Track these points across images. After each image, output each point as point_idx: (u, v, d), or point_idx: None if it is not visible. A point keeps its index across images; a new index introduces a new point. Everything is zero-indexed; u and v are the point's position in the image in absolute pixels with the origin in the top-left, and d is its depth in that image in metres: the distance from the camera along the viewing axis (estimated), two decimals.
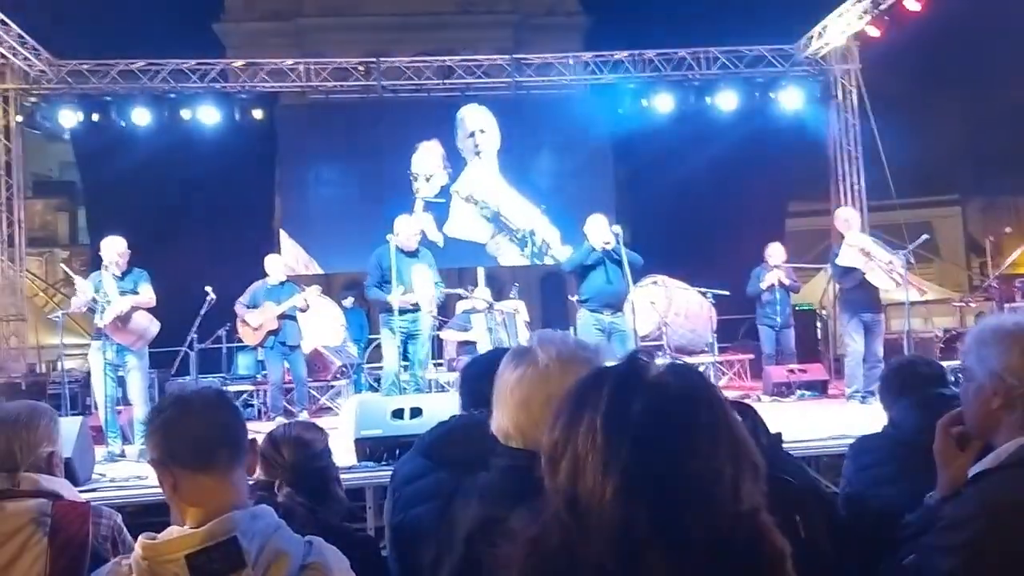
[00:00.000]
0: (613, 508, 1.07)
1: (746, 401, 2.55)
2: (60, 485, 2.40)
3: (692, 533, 1.05)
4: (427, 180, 8.13)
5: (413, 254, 7.81)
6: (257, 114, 12.79)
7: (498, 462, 1.71)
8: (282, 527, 1.65)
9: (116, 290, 6.92)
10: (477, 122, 8.81)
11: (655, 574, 1.05)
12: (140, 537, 1.59)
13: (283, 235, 13.35)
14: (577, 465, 1.11)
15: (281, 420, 7.55)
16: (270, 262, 9.12)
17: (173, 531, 1.59)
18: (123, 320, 6.90)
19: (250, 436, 1.79)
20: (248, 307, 8.84)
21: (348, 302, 12.16)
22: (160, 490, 1.70)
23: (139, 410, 7.03)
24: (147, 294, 7.08)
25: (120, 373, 7.12)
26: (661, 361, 1.23)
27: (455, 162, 8.73)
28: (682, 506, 1.06)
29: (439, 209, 8.90)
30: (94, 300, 6.90)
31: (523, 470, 1.42)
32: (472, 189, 8.21)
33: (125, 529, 2.44)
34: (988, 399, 1.80)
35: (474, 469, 2.33)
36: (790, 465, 2.43)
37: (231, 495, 1.65)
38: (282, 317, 8.71)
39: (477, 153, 8.29)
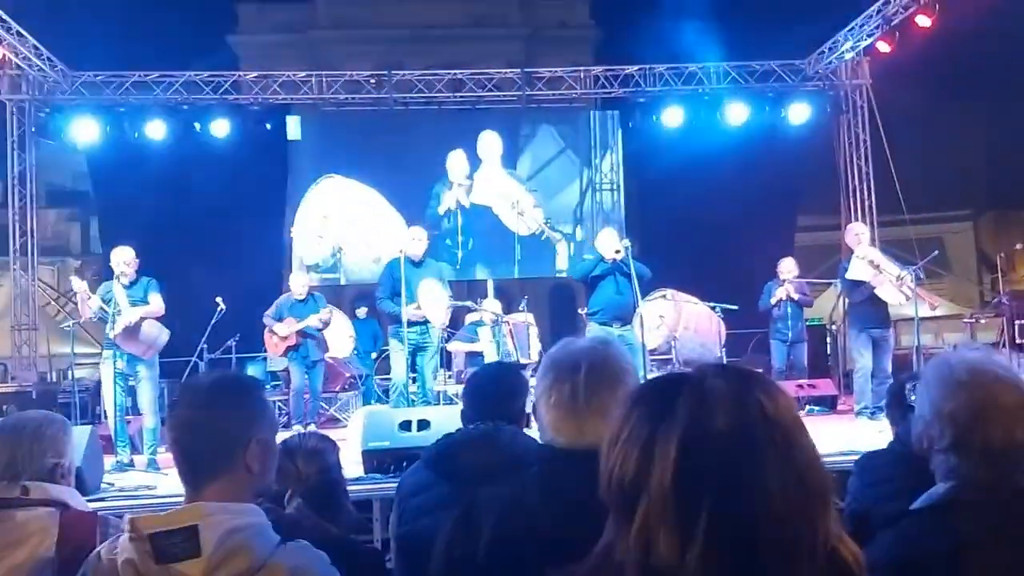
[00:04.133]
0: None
1: None
2: (68, 495, 2.41)
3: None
4: (458, 168, 10.74)
5: (420, 264, 7.88)
6: (269, 126, 12.89)
7: None
8: (255, 525, 1.67)
9: (126, 299, 6.95)
10: (488, 141, 11.33)
11: None
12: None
13: (295, 246, 13.41)
14: (650, 530, 1.02)
15: (299, 429, 7.58)
16: (293, 279, 9.39)
17: (163, 512, 1.68)
18: (132, 330, 6.93)
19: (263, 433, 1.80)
20: (274, 319, 9.02)
21: (361, 312, 12.20)
22: (168, 500, 1.74)
23: (149, 420, 7.05)
24: (156, 303, 7.11)
25: (131, 383, 7.15)
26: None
27: (474, 161, 11.24)
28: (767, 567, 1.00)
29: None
30: (102, 309, 6.93)
31: None
32: (486, 177, 10.94)
33: None
34: (921, 437, 1.78)
35: (481, 482, 2.33)
36: None
37: (221, 488, 1.72)
38: (301, 334, 8.82)
39: (488, 157, 11.26)
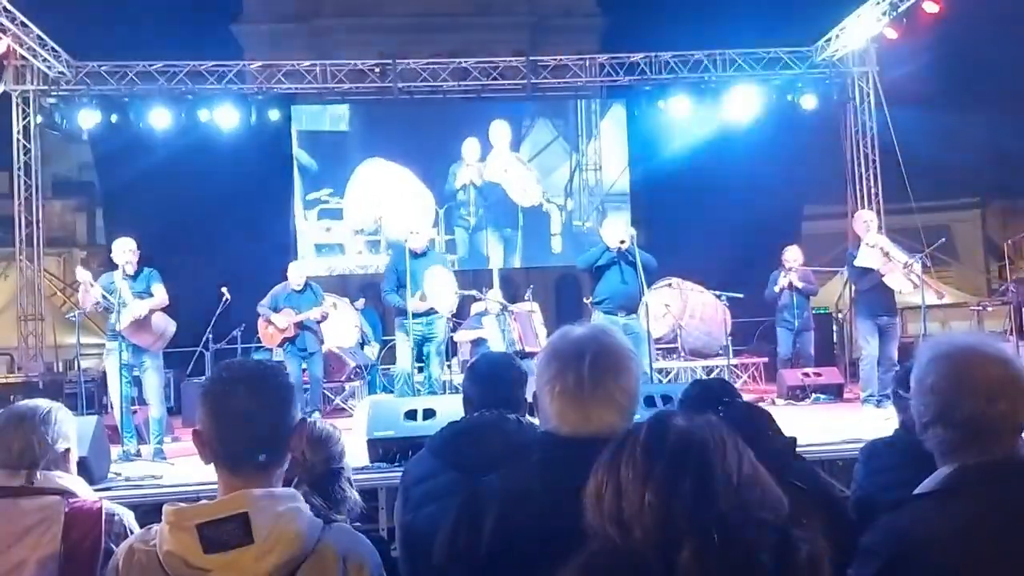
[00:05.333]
0: (653, 509, 1.27)
1: (760, 405, 2.57)
2: (74, 483, 2.41)
3: (719, 530, 1.25)
4: (472, 153, 12.86)
5: (423, 255, 7.90)
6: (274, 115, 12.89)
7: None
8: (302, 509, 1.68)
9: (129, 291, 6.94)
10: (498, 129, 13.11)
11: (688, 563, 1.24)
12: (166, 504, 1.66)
13: (300, 236, 13.44)
14: (620, 490, 1.32)
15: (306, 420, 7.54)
16: (292, 269, 9.13)
17: (202, 501, 1.65)
18: (143, 323, 6.92)
19: (298, 417, 1.80)
20: (270, 309, 8.80)
21: (359, 304, 12.20)
22: (174, 490, 1.73)
23: (155, 410, 7.08)
24: (161, 295, 7.10)
25: (136, 373, 7.15)
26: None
27: (486, 146, 13.23)
28: (710, 508, 1.27)
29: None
30: (105, 298, 6.93)
31: None
32: (497, 159, 13.08)
33: (138, 528, 2.45)
34: (916, 419, 1.77)
35: (487, 470, 2.33)
36: (801, 470, 2.43)
37: (267, 475, 1.71)
38: (299, 326, 8.70)
39: (498, 143, 13.25)
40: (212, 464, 1.72)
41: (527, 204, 12.75)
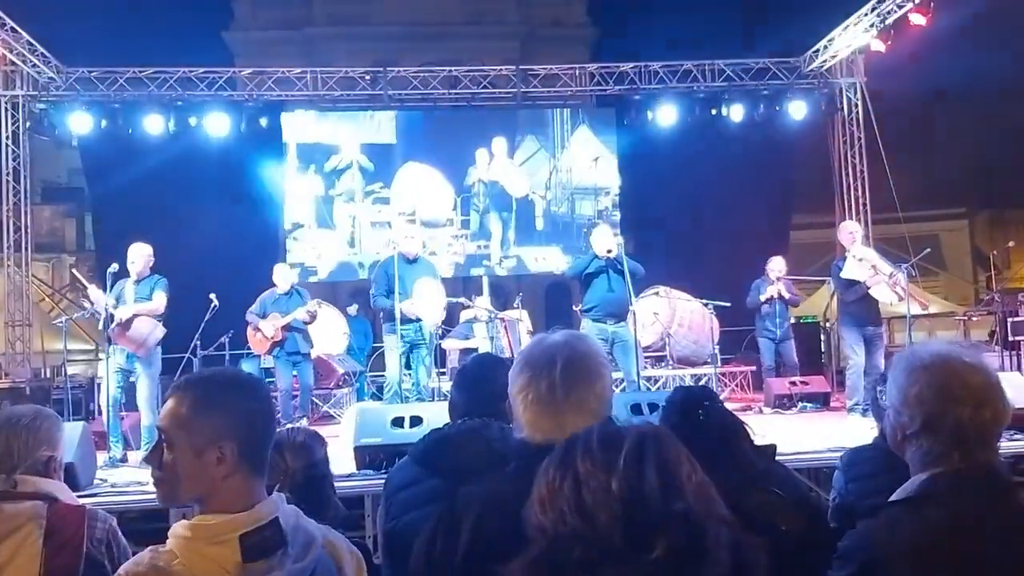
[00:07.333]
0: (621, 495, 1.23)
1: (747, 413, 2.58)
2: (57, 488, 2.42)
3: (686, 524, 1.23)
4: (481, 159, 14.72)
5: (413, 261, 7.93)
6: (264, 122, 12.88)
7: None
8: (300, 511, 1.73)
9: (133, 296, 7.00)
10: (499, 143, 14.75)
11: (661, 558, 1.20)
12: (182, 521, 1.64)
13: (289, 243, 13.46)
14: (580, 480, 1.27)
15: (289, 426, 7.54)
16: (277, 272, 8.98)
17: (208, 517, 1.62)
18: (124, 327, 6.94)
19: None
20: (258, 315, 8.70)
21: (352, 310, 12.20)
22: None
23: (146, 417, 7.03)
24: (157, 301, 7.11)
25: (132, 379, 7.15)
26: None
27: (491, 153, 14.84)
28: (677, 501, 1.24)
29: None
30: (105, 306, 6.95)
31: None
32: (498, 164, 14.88)
33: (120, 533, 2.45)
34: (895, 428, 1.78)
35: (469, 477, 2.34)
36: (781, 477, 2.45)
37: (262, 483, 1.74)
38: (287, 328, 8.61)
39: (498, 152, 14.94)
40: (233, 475, 1.65)
41: (519, 195, 14.88)
